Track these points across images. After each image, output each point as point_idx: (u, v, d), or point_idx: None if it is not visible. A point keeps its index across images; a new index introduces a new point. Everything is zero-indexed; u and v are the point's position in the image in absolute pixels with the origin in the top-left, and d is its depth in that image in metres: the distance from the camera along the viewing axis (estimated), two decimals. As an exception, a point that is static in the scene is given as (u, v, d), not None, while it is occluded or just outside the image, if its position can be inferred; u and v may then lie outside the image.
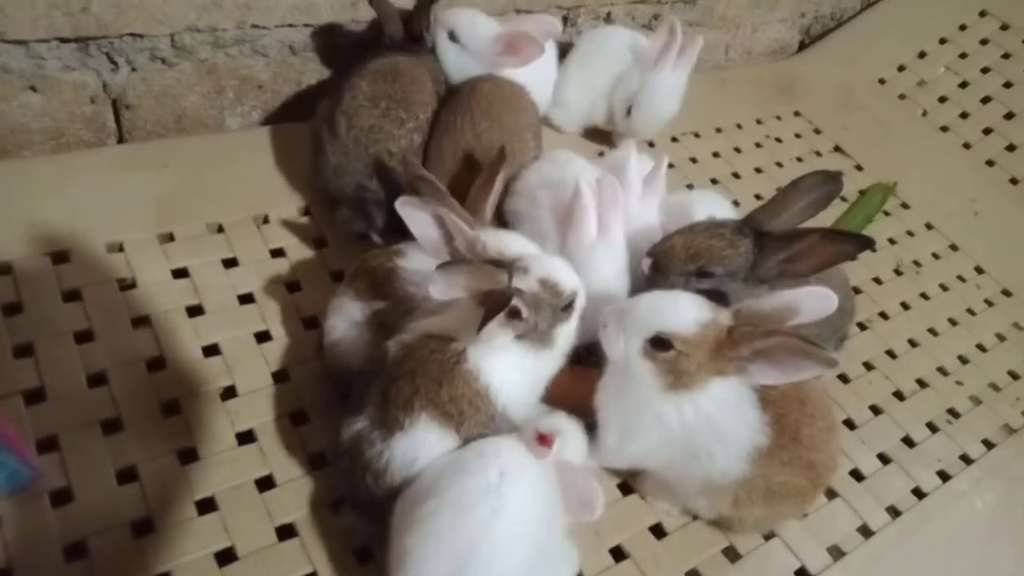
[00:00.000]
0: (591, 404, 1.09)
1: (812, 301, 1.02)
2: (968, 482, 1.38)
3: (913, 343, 1.63)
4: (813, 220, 1.19)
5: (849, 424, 1.41)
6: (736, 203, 1.73)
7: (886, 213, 1.95)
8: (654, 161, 1.37)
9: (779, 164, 2.01)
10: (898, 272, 1.80)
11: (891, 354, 1.58)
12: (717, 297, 1.07)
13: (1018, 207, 2.06)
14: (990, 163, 2.17)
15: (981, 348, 1.67)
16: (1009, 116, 2.23)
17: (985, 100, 2.27)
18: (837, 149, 2.12)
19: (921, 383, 1.54)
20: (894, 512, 1.29)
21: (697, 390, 1.01)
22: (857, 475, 1.33)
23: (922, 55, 2.39)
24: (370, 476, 0.98)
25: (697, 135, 2.00)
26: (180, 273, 1.29)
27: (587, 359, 1.11)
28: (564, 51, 1.79)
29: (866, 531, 1.25)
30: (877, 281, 1.75)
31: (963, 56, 2.36)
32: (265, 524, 1.04)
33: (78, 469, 1.03)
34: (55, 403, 1.08)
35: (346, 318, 1.14)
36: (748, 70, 2.38)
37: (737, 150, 2.01)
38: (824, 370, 0.97)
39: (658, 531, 1.16)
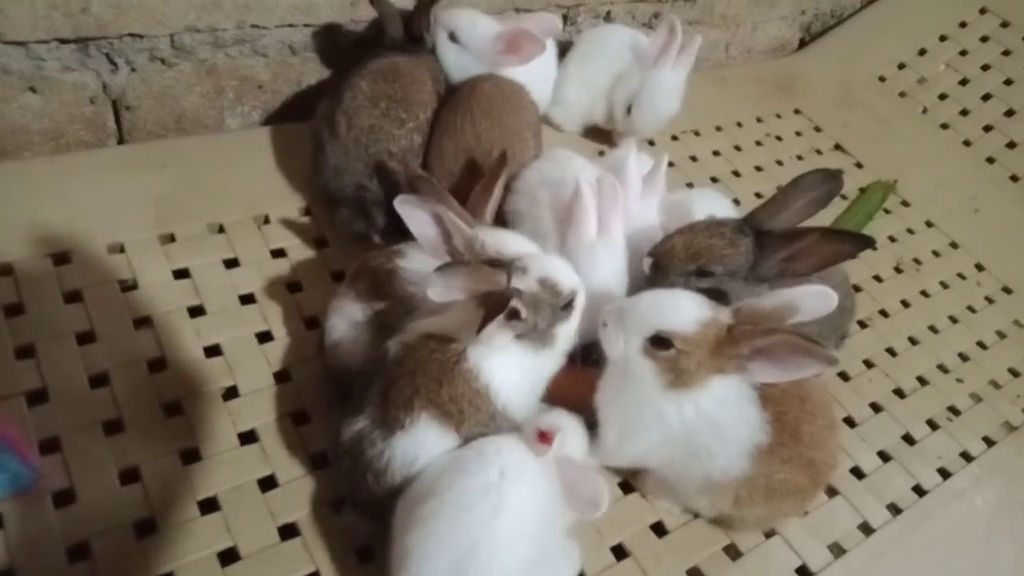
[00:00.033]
0: (591, 403, 1.10)
1: (812, 299, 1.02)
2: (968, 479, 1.38)
3: (913, 341, 1.63)
4: (813, 218, 1.20)
5: (849, 422, 1.41)
6: (736, 201, 1.73)
7: (886, 211, 1.95)
8: (654, 160, 1.37)
9: (779, 162, 2.01)
10: (898, 270, 1.80)
11: (891, 352, 1.59)
12: (717, 295, 1.08)
13: (1018, 204, 2.06)
14: (990, 160, 2.17)
15: (981, 345, 1.67)
16: (1009, 113, 2.23)
17: (985, 97, 2.27)
18: (837, 147, 2.12)
19: (921, 381, 1.54)
20: (895, 510, 1.29)
21: (697, 388, 1.01)
22: (858, 473, 1.33)
23: (922, 52, 2.39)
24: (371, 475, 0.98)
25: (697, 133, 2.00)
26: (181, 274, 1.29)
27: (587, 358, 1.11)
28: (564, 50, 1.79)
29: (867, 529, 1.25)
30: (877, 279, 1.75)
31: (963, 53, 2.36)
32: (267, 524, 1.04)
33: (80, 470, 1.03)
34: (57, 404, 1.08)
35: (347, 318, 1.14)
36: (748, 68, 2.38)
37: (737, 148, 2.01)
38: (824, 368, 0.97)
39: (659, 529, 1.17)
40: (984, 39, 2.37)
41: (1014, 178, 2.12)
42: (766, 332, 0.97)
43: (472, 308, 0.96)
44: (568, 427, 1.04)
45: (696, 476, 1.07)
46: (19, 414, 1.05)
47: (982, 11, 2.41)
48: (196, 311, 1.25)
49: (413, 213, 1.10)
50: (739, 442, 1.03)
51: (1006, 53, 2.32)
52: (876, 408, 1.46)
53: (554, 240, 1.26)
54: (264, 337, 1.25)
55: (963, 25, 2.40)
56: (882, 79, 2.38)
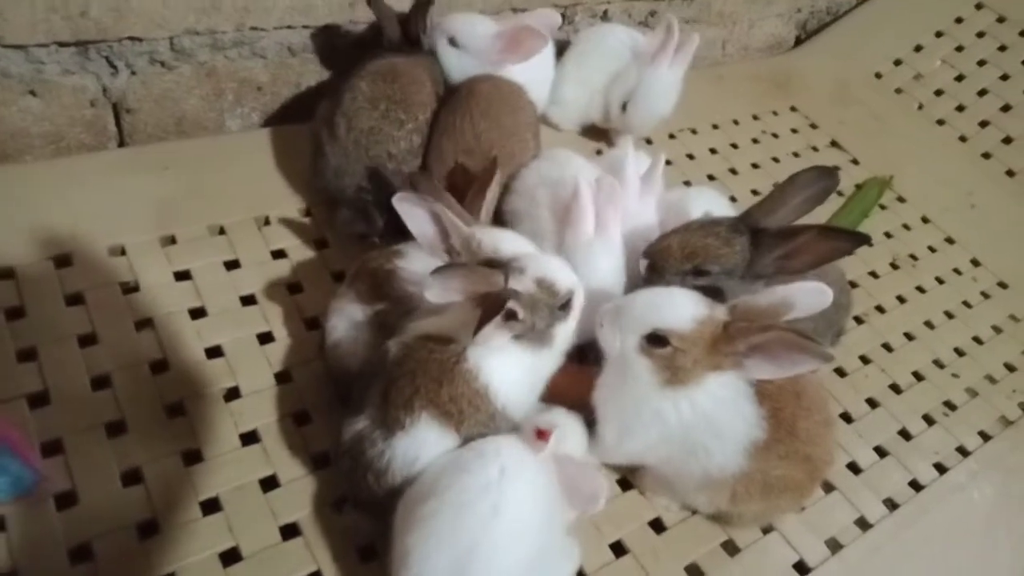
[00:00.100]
0: (590, 401, 1.10)
1: (807, 296, 1.03)
2: (965, 474, 1.38)
3: (909, 336, 1.64)
4: (810, 215, 1.20)
5: (846, 417, 1.42)
6: (733, 199, 1.73)
7: (882, 207, 1.96)
8: (652, 159, 1.37)
9: (776, 159, 2.01)
10: (894, 266, 1.81)
11: (887, 347, 1.59)
12: (713, 293, 1.08)
13: (1015, 199, 2.06)
14: (987, 156, 2.17)
15: (977, 341, 1.68)
16: (1006, 108, 2.23)
17: (982, 93, 2.27)
18: (834, 144, 2.13)
19: (918, 376, 1.55)
20: (891, 505, 1.30)
21: (694, 386, 1.02)
22: (854, 468, 1.34)
23: (918, 49, 2.40)
24: (372, 476, 0.99)
25: (694, 131, 2.00)
26: (182, 275, 1.29)
27: (585, 357, 1.12)
28: (561, 49, 1.79)
29: (864, 524, 1.26)
30: (873, 275, 1.76)
31: (959, 49, 2.37)
32: (269, 524, 1.05)
33: (82, 472, 1.03)
34: (59, 406, 1.09)
35: (347, 319, 1.14)
36: (745, 66, 2.38)
37: (734, 146, 2.01)
38: (820, 364, 0.98)
39: (657, 526, 1.17)
40: (980, 35, 2.37)
41: (1010, 173, 2.13)
42: (762, 329, 0.98)
43: (470, 309, 0.96)
44: (566, 425, 1.05)
45: (694, 473, 1.08)
46: (21, 416, 1.06)
47: (978, 7, 2.42)
48: (197, 312, 1.25)
49: (411, 211, 1.10)
50: (736, 439, 1.03)
51: (1002, 48, 2.33)
52: (872, 403, 1.47)
53: (552, 239, 1.27)
54: (265, 338, 1.26)
55: (959, 21, 2.41)
56: (878, 76, 2.38)
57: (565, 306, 1.04)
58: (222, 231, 1.38)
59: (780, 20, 2.45)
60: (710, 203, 1.40)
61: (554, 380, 1.09)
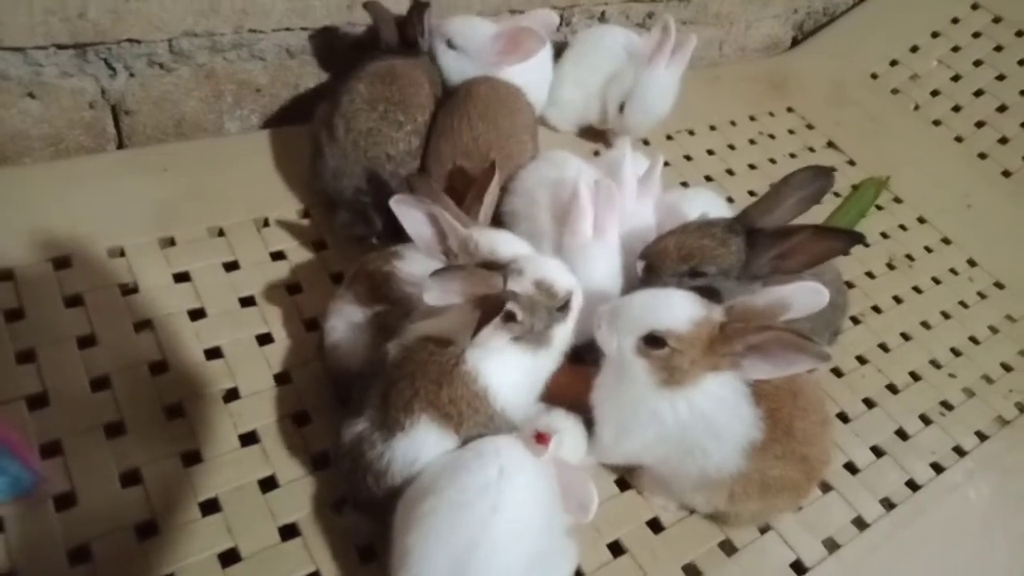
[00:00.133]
0: (588, 402, 1.11)
1: (804, 296, 1.03)
2: (962, 474, 1.39)
3: (906, 336, 1.64)
4: (806, 215, 1.21)
5: (843, 417, 1.42)
6: (730, 200, 1.74)
7: (879, 207, 1.96)
8: (649, 160, 1.38)
9: (772, 160, 2.02)
10: (891, 266, 1.81)
11: (884, 347, 1.60)
12: (710, 293, 1.09)
13: (1010, 200, 2.07)
14: (983, 156, 2.18)
15: (974, 340, 1.68)
16: (1002, 109, 2.24)
17: (978, 93, 2.28)
18: (830, 144, 2.13)
19: (914, 376, 1.56)
20: (888, 504, 1.31)
21: (691, 386, 1.02)
22: (851, 468, 1.34)
23: (914, 49, 2.40)
24: (371, 477, 0.99)
25: (691, 132, 2.01)
26: (181, 277, 1.30)
27: (581, 358, 1.12)
28: (559, 51, 1.80)
29: (860, 523, 1.26)
30: (870, 275, 1.76)
31: (955, 49, 2.37)
32: (268, 524, 1.05)
33: (81, 473, 1.04)
34: (58, 408, 1.09)
35: (346, 320, 1.15)
36: (741, 67, 2.39)
37: (731, 147, 2.02)
38: (817, 364, 0.98)
39: (655, 525, 1.18)
40: (976, 35, 2.38)
41: (1006, 173, 2.13)
42: (759, 329, 0.99)
43: (469, 311, 0.96)
44: (566, 428, 1.06)
45: (691, 473, 1.08)
46: (20, 418, 1.06)
47: (974, 7, 2.42)
48: (196, 314, 1.26)
49: (408, 212, 1.10)
50: (733, 439, 1.04)
51: (998, 49, 2.33)
52: (869, 403, 1.47)
53: (551, 240, 1.27)
54: (264, 339, 1.26)
55: (955, 21, 2.42)
56: (874, 76, 2.39)
57: (564, 307, 1.04)
58: (221, 232, 1.39)
59: (776, 21, 2.46)
60: (707, 204, 1.40)
61: (552, 381, 1.09)
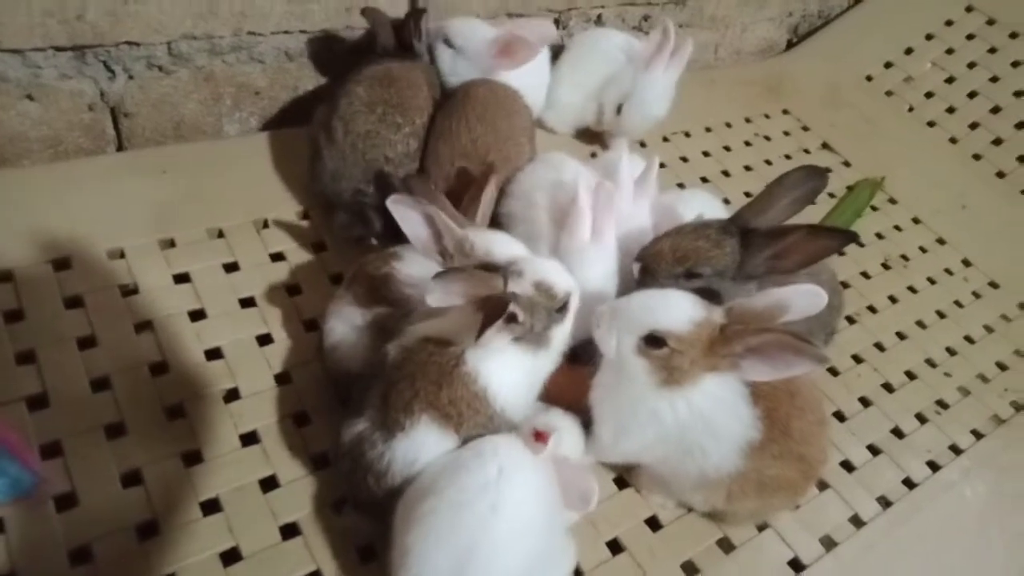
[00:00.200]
0: (587, 402, 1.11)
1: (802, 299, 1.04)
2: (958, 472, 1.40)
3: (901, 336, 1.65)
4: (802, 216, 1.21)
5: (839, 416, 1.43)
6: (727, 201, 1.75)
7: (874, 208, 1.97)
8: (646, 162, 1.38)
9: (768, 162, 2.03)
10: (886, 266, 1.82)
11: (880, 347, 1.61)
12: (710, 295, 1.09)
13: (1005, 200, 2.08)
14: (977, 157, 2.19)
15: (969, 340, 1.69)
16: (995, 110, 2.25)
17: (972, 95, 2.30)
18: (825, 146, 2.14)
19: (910, 375, 1.57)
20: (885, 502, 1.31)
21: (690, 387, 1.03)
22: (848, 466, 1.35)
23: (909, 51, 2.42)
24: (371, 477, 1.00)
25: (688, 134, 2.02)
26: (181, 278, 1.30)
27: (578, 358, 1.13)
28: (556, 53, 1.81)
29: (857, 521, 1.27)
30: (865, 275, 1.77)
31: (949, 52, 2.39)
32: (269, 524, 1.06)
33: (82, 474, 1.04)
34: (58, 409, 1.09)
35: (345, 321, 1.15)
36: (737, 69, 2.40)
37: (727, 149, 2.03)
38: (816, 367, 0.98)
39: (654, 524, 1.19)
40: (970, 37, 2.39)
41: (1000, 174, 2.15)
42: (758, 331, 0.99)
43: (469, 312, 0.97)
44: (564, 427, 1.07)
45: (690, 472, 1.09)
46: (20, 419, 1.07)
47: (968, 9, 2.44)
48: (196, 315, 1.26)
49: (405, 213, 1.11)
50: (732, 439, 1.04)
51: (992, 51, 2.35)
52: (865, 402, 1.48)
53: (548, 242, 1.28)
54: (264, 340, 1.26)
55: (949, 23, 2.43)
56: (869, 78, 2.40)
57: (562, 308, 1.05)
58: (221, 234, 1.39)
59: (772, 24, 2.47)
60: (704, 206, 1.41)
61: (551, 380, 1.10)
